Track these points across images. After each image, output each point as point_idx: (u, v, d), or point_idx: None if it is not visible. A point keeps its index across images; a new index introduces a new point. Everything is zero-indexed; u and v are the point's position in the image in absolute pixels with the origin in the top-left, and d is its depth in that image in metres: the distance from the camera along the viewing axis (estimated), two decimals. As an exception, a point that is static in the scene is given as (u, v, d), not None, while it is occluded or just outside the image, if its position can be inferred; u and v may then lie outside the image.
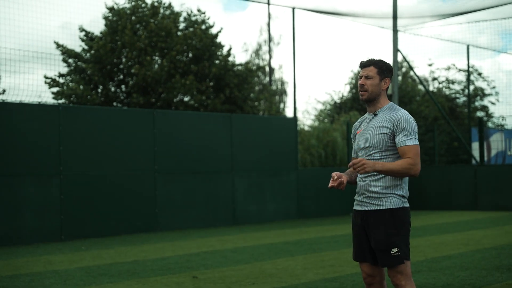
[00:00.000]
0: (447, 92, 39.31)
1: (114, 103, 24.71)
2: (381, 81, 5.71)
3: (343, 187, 5.59)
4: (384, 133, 5.61)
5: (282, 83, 50.00)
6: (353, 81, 39.01)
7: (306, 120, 42.03)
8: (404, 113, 5.63)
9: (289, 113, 42.66)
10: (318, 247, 13.98)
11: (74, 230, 16.73)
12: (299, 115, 41.96)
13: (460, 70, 39.31)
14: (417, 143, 5.59)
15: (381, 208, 5.59)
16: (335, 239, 15.58)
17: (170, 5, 25.62)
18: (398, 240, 5.55)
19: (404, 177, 5.62)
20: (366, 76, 5.71)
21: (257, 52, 48.53)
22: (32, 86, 18.17)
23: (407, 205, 5.66)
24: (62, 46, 24.19)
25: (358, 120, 6.00)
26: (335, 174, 5.58)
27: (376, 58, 5.82)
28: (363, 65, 5.78)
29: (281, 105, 48.21)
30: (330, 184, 5.60)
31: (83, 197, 17.00)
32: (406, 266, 5.57)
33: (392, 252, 5.52)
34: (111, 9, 24.93)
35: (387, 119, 5.63)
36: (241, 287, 9.33)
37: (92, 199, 17.18)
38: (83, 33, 25.00)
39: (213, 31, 25.78)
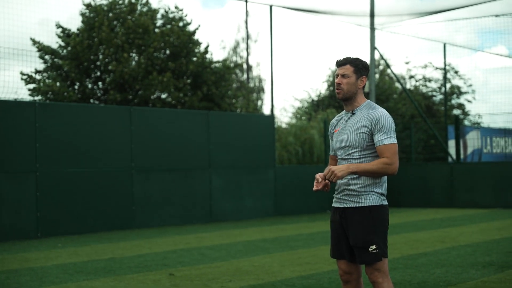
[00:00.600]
0: (423, 90, 39.52)
1: (91, 100, 24.61)
2: (357, 79, 5.71)
3: (328, 189, 5.63)
4: (362, 132, 5.61)
5: (260, 80, 50.01)
6: (331, 78, 39.12)
7: (284, 117, 42.07)
8: (381, 112, 5.64)
9: (266, 110, 42.71)
10: (295, 245, 14.00)
11: (51, 227, 16.66)
12: (276, 112, 42.00)
13: (437, 68, 39.52)
14: (395, 141, 5.61)
15: (360, 205, 5.60)
16: (312, 236, 15.61)
17: (147, 2, 25.56)
18: (377, 237, 5.56)
19: (383, 176, 5.64)
20: (343, 75, 5.71)
21: (234, 50, 48.52)
22: (8, 83, 18.06)
23: (386, 203, 5.68)
24: (38, 42, 24.05)
25: (335, 118, 6.00)
26: (319, 177, 5.58)
27: (353, 56, 5.82)
28: (340, 63, 5.77)
29: (259, 103, 48.22)
30: (314, 188, 5.60)
31: (59, 195, 16.93)
32: (384, 263, 5.57)
33: (370, 250, 5.53)
34: (88, 6, 24.82)
35: (365, 118, 5.63)
36: (218, 285, 9.33)
37: (68, 197, 17.11)
38: (60, 29, 24.87)
39: (191, 28, 25.75)
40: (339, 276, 5.84)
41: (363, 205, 5.60)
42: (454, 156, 26.21)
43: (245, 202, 21.33)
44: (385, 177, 5.72)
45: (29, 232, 16.26)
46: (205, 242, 14.91)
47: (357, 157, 5.63)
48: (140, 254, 12.83)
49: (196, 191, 19.98)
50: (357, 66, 5.73)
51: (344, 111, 5.88)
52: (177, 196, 19.48)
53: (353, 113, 5.74)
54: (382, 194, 5.66)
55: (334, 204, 5.82)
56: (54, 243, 15.12)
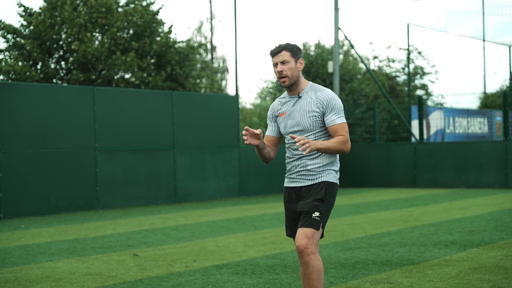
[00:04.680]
0: (387, 70, 39.66)
1: (54, 80, 24.37)
2: (296, 62, 5.78)
3: (258, 143, 5.69)
4: (314, 115, 5.71)
5: (224, 60, 49.91)
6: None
7: (248, 98, 42.04)
8: (329, 93, 5.75)
9: (230, 91, 42.63)
10: (259, 225, 14.03)
11: (13, 208, 16.53)
12: (241, 93, 41.96)
13: (400, 49, 39.67)
14: (345, 120, 5.73)
15: (317, 181, 5.73)
16: (276, 216, 15.64)
17: (110, -19, 25.29)
18: (322, 208, 5.68)
19: (340, 153, 5.73)
20: (282, 62, 5.75)
21: (199, 29, 48.36)
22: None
23: (338, 182, 5.84)
24: (0, 21, 23.74)
25: (278, 101, 6.02)
26: (247, 128, 5.67)
27: (283, 43, 5.84)
28: (274, 52, 5.80)
29: (223, 83, 48.14)
30: (247, 141, 5.67)
31: (22, 175, 16.79)
32: (317, 234, 5.64)
33: (313, 215, 5.63)
34: (50, -16, 24.51)
35: (314, 101, 5.73)
36: (183, 265, 9.32)
37: (31, 177, 16.97)
38: (22, 8, 24.56)
39: (154, 8, 25.58)
40: (297, 252, 5.85)
41: (320, 180, 5.74)
42: (417, 136, 26.38)
43: (210, 182, 21.32)
44: (338, 156, 5.85)
45: (-9, 213, 16.12)
46: (169, 222, 14.89)
47: (312, 139, 5.71)
48: (104, 235, 12.78)
49: (161, 171, 19.93)
50: (292, 49, 5.78)
51: (286, 94, 5.93)
52: (141, 176, 19.42)
53: (299, 96, 5.81)
54: (337, 172, 5.83)
55: (287, 184, 5.90)
56: (17, 224, 15.01)
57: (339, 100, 5.76)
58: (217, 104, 21.88)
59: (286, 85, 5.79)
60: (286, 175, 5.93)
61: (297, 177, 5.80)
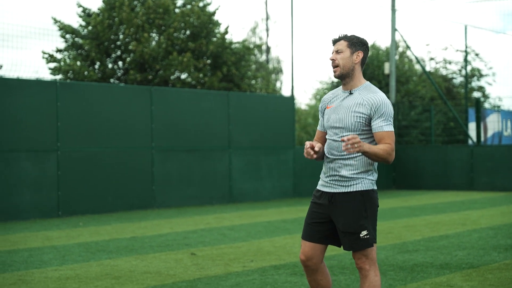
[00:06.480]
0: (444, 72, 39.29)
1: (111, 80, 24.65)
2: (352, 54, 5.47)
3: (312, 157, 5.46)
4: (360, 116, 5.38)
5: (278, 61, 49.91)
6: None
7: (303, 99, 42.01)
8: (382, 97, 5.41)
9: (285, 91, 42.63)
10: (315, 226, 13.97)
11: (71, 206, 16.74)
12: (296, 94, 41.94)
13: (457, 50, 39.26)
14: (393, 129, 5.40)
15: (351, 190, 5.42)
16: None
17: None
18: (368, 223, 5.41)
19: (377, 162, 5.43)
20: (337, 51, 5.49)
21: (253, 30, 48.42)
22: (29, 62, 18.11)
23: (376, 187, 5.51)
24: (59, 21, 24.09)
25: (330, 94, 5.72)
26: (311, 146, 5.45)
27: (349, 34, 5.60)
28: (334, 41, 5.56)
29: (278, 84, 48.16)
30: (310, 155, 5.46)
31: (80, 174, 17.00)
32: (373, 250, 5.45)
33: (361, 235, 5.38)
34: (108, -15, 24.79)
35: (364, 101, 5.40)
36: (240, 264, 9.35)
37: (89, 176, 17.18)
38: (81, 9, 24.90)
39: (211, 8, 25.69)
40: (300, 260, 5.69)
41: (354, 189, 5.41)
42: (474, 139, 26.08)
43: (264, 183, 21.33)
44: (376, 166, 5.52)
45: (50, 210, 16.36)
46: (225, 222, 14.94)
47: None
48: (161, 234, 12.87)
49: (216, 171, 20.01)
50: (351, 40, 5.50)
51: (340, 88, 5.63)
52: (197, 176, 19.51)
53: (351, 93, 5.50)
54: (373, 180, 5.49)
55: (321, 188, 5.59)
56: (75, 222, 15.21)
57: (391, 107, 5.42)
58: (272, 105, 21.88)
59: (337, 75, 5.49)
60: (320, 176, 5.65)
61: (331, 181, 5.48)
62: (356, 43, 5.50)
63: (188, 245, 11.31)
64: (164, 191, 18.69)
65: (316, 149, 5.45)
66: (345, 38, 5.52)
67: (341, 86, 5.64)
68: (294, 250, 10.58)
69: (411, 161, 25.53)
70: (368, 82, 5.55)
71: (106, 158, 17.55)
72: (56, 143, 16.53)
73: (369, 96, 5.41)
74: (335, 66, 5.50)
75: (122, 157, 17.88)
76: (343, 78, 5.51)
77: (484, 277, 8.19)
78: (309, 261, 5.63)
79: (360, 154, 5.38)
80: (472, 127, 27.88)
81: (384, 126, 5.34)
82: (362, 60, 5.53)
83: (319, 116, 5.80)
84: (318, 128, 5.77)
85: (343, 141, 5.19)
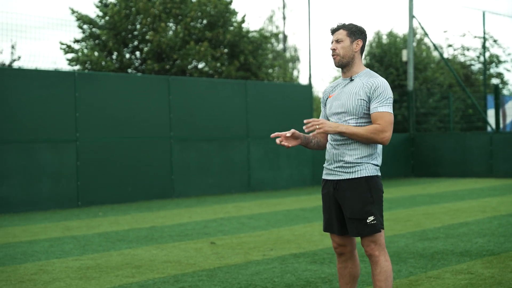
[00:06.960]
0: (462, 59, 39.10)
1: (129, 70, 24.70)
2: (352, 43, 5.53)
3: (299, 142, 5.52)
4: (361, 99, 5.43)
5: (296, 50, 49.83)
6: (368, 48, 38.81)
7: (321, 87, 41.95)
8: (381, 80, 5.47)
9: (302, 80, 42.56)
10: (334, 214, 13.96)
11: (91, 196, 16.82)
12: (313, 82, 41.86)
13: (475, 37, 39.06)
14: (390, 110, 5.41)
15: (356, 176, 5.44)
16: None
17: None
18: (374, 208, 5.42)
19: (376, 144, 5.47)
20: (336, 40, 5.55)
21: (270, 19, 48.34)
22: (47, 52, 18.16)
23: (380, 173, 5.53)
24: (77, 12, 24.14)
25: (331, 85, 5.81)
26: (276, 134, 5.49)
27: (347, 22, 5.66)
28: (333, 30, 5.62)
29: (295, 73, 48.08)
30: (280, 142, 5.48)
31: (99, 164, 17.06)
32: (381, 235, 5.44)
33: (368, 221, 5.39)
34: (125, -25, 24.82)
35: (364, 85, 5.46)
36: (260, 253, 9.36)
37: (108, 166, 17.24)
38: (98, -1, 24.95)
39: (228, -3, 25.68)
40: (333, 249, 5.71)
41: (358, 175, 5.44)
42: (493, 126, 25.96)
43: (283, 171, 21.33)
44: (380, 150, 5.54)
45: (69, 201, 16.43)
46: (244, 211, 14.95)
47: (353, 124, 5.45)
48: (181, 223, 12.90)
49: (234, 160, 20.03)
50: (350, 29, 5.56)
51: (341, 78, 5.70)
52: (215, 165, 19.54)
53: (351, 80, 5.57)
54: (377, 165, 5.51)
55: (325, 177, 5.62)
56: (95, 212, 15.27)
57: (389, 90, 5.46)
58: (290, 94, 21.86)
59: (337, 64, 5.57)
60: (324, 165, 5.66)
61: (335, 168, 5.51)
62: (355, 31, 5.57)
63: (207, 234, 11.33)
64: (183, 181, 18.73)
65: (288, 134, 5.49)
66: (344, 27, 5.59)
67: (341, 77, 5.72)
68: (313, 239, 10.58)
69: (429, 148, 25.44)
70: (368, 69, 5.62)
71: (125, 148, 17.60)
72: (75, 133, 16.59)
73: (369, 80, 5.48)
74: (335, 55, 5.57)
75: (140, 147, 17.93)
76: (344, 66, 5.58)
77: (505, 264, 8.16)
78: (341, 248, 5.66)
79: None
80: (491, 113, 27.75)
81: (379, 107, 5.39)
82: (362, 48, 5.60)
83: (321, 107, 5.87)
84: (320, 118, 5.76)
85: (306, 122, 5.31)
